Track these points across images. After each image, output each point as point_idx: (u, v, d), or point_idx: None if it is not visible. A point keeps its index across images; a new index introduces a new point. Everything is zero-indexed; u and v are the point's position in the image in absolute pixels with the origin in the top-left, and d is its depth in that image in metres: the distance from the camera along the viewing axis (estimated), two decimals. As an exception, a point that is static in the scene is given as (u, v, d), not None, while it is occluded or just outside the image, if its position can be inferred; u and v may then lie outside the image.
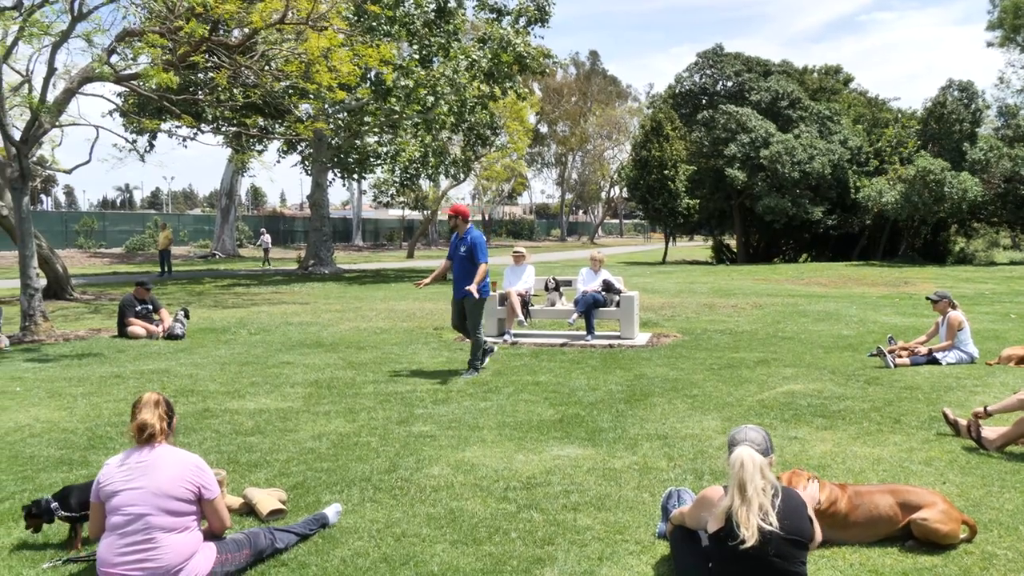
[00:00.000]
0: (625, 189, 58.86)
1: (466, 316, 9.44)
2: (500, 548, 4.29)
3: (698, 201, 41.17)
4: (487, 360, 9.60)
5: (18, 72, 15.49)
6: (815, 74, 48.56)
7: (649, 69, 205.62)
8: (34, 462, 5.90)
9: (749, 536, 3.38)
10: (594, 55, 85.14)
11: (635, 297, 12.06)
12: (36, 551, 4.32)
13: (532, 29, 28.40)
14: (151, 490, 3.79)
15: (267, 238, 39.11)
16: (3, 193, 17.08)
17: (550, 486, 5.26)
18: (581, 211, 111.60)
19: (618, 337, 11.78)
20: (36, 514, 4.40)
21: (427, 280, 10.00)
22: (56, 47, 13.04)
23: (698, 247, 58.02)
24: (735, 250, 45.51)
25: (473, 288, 9.17)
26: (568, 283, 12.75)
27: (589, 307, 11.68)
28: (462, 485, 5.30)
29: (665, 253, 44.64)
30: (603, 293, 11.87)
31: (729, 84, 45.44)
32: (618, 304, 11.90)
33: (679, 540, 3.95)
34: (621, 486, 5.25)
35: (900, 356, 9.55)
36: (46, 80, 13.21)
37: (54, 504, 4.40)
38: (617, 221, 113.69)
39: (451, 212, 9.59)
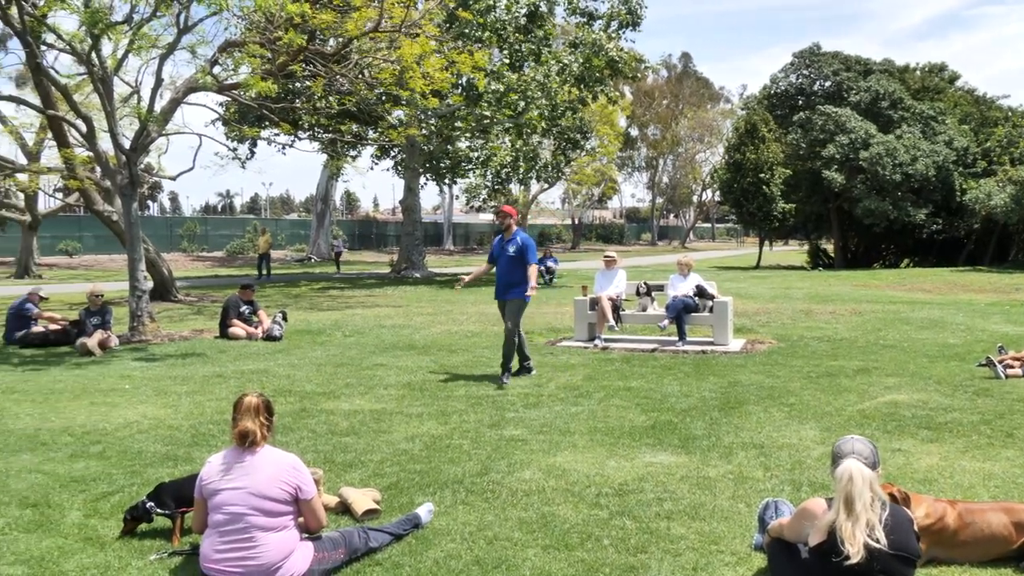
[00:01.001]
0: (718, 192, 57.91)
1: (505, 316, 9.52)
2: (592, 555, 4.26)
3: (794, 205, 40.18)
4: (532, 374, 9.58)
5: (127, 83, 16.21)
6: (918, 72, 46.77)
7: (742, 70, 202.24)
8: (142, 457, 6.15)
9: (855, 552, 3.27)
10: (686, 57, 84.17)
11: (729, 302, 11.85)
12: (145, 542, 4.50)
13: (623, 33, 28.23)
14: (250, 490, 3.91)
15: (338, 242, 39.56)
16: (114, 199, 17.90)
17: (643, 493, 5.21)
18: (672, 215, 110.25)
19: (711, 343, 11.59)
20: (135, 518, 4.60)
21: (467, 278, 10.07)
22: (163, 59, 13.59)
23: (793, 252, 56.68)
24: (832, 255, 44.22)
25: (532, 288, 9.30)
26: (659, 288, 12.61)
27: (680, 312, 11.52)
28: (554, 490, 5.29)
29: (759, 257, 43.70)
30: (695, 298, 11.69)
31: (827, 84, 44.20)
32: (711, 309, 11.70)
33: (777, 553, 3.85)
34: (716, 495, 5.16)
35: (1012, 366, 9.06)
36: (154, 91, 13.79)
37: (149, 504, 4.60)
38: (709, 225, 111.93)
39: (504, 211, 9.68)
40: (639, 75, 30.81)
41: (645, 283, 12.65)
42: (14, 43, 31.31)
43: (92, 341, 11.67)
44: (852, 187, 37.99)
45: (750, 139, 40.05)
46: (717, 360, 10.43)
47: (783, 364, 10.03)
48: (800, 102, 44.57)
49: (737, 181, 40.23)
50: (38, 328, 12.89)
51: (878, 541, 3.30)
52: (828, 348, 11.32)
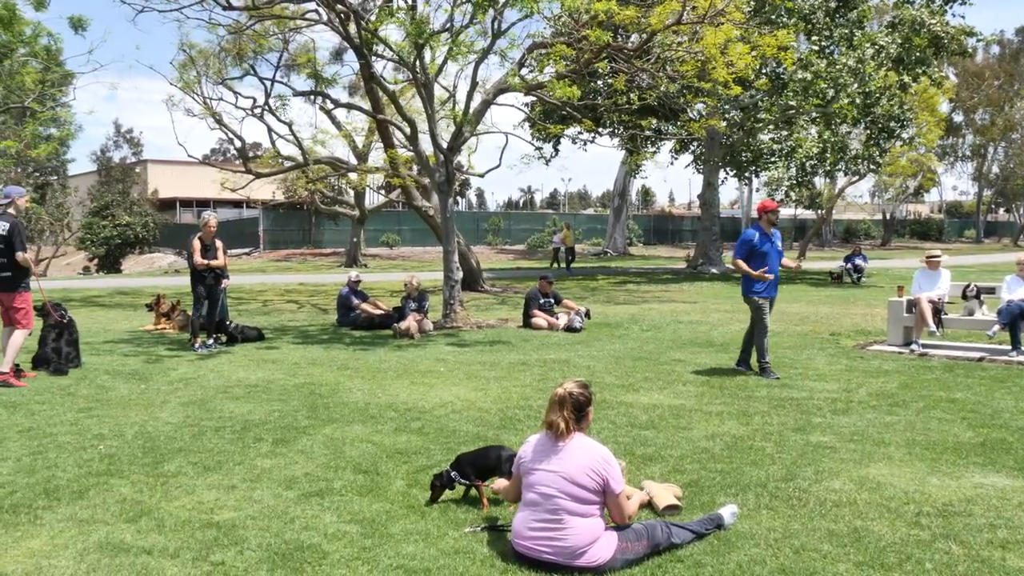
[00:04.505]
0: (1061, 183, 50.99)
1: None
2: (913, 577, 3.94)
3: None
4: (771, 378, 9.04)
5: (445, 88, 17.46)
6: None
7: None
8: (456, 436, 6.61)
9: None
10: (1023, 31, 74.91)
11: (1077, 309, 10.39)
12: (460, 514, 4.82)
13: (950, 7, 25.74)
14: (562, 474, 4.07)
15: (557, 237, 38.22)
16: (431, 195, 19.37)
17: (971, 517, 4.73)
18: (1002, 209, 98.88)
19: (1053, 354, 10.26)
20: (440, 485, 4.99)
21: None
22: (478, 63, 14.46)
23: None
24: None
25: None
26: (991, 291, 11.35)
27: (1015, 319, 10.30)
28: (866, 503, 4.96)
29: (1113, 258, 38.03)
30: (1034, 303, 10.39)
31: None
32: (1054, 316, 10.35)
33: None
34: (1062, 527, 4.56)
35: None
36: (469, 94, 14.72)
37: (453, 473, 4.99)
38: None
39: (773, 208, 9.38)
40: (968, 50, 27.89)
41: (975, 285, 11.44)
42: (348, 56, 34.86)
43: (411, 325, 12.74)
44: None
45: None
46: (1061, 374, 9.21)
47: None
48: None
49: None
50: (365, 307, 14.32)
51: None
52: None
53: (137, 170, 58.94)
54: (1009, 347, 10.37)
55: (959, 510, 4.84)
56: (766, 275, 9.07)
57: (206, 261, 11.36)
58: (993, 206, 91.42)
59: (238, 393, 8.37)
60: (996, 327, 10.44)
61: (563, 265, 32.59)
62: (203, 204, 51.22)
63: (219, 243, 11.56)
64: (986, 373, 9.31)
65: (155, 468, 5.74)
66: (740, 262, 9.24)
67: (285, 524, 4.67)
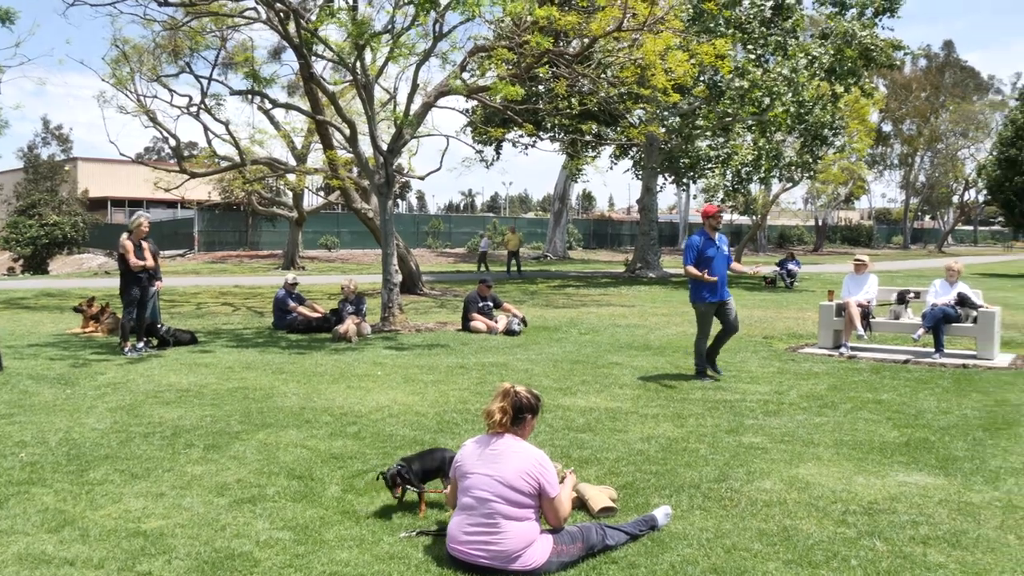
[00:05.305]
0: (983, 192, 52.85)
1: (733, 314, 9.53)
2: (838, 575, 4.03)
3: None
4: (705, 381, 9.23)
5: (385, 89, 17.36)
6: None
7: (1018, 58, 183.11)
8: (392, 440, 6.56)
9: None
10: (948, 45, 77.56)
11: (996, 313, 10.79)
12: (395, 520, 4.79)
13: (880, 20, 26.50)
14: (497, 478, 4.07)
15: (484, 241, 38.72)
16: (370, 198, 19.23)
17: (895, 514, 4.86)
18: (928, 216, 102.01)
19: (973, 357, 10.62)
20: (402, 481, 4.87)
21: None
22: (419, 66, 14.42)
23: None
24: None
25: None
26: (916, 295, 11.71)
27: (939, 322, 10.64)
28: (796, 503, 5.06)
29: (1032, 264, 39.53)
30: (957, 307, 10.75)
31: (1122, 70, 39.05)
32: (975, 320, 10.72)
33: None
34: (980, 523, 4.72)
35: None
36: (410, 96, 14.66)
37: (400, 466, 4.90)
38: (970, 228, 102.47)
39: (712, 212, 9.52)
40: (897, 63, 28.74)
41: (912, 290, 11.78)
42: (287, 55, 34.43)
43: (349, 328, 12.62)
44: None
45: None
46: (981, 375, 9.54)
47: (1062, 384, 9.00)
48: (1089, 90, 39.75)
49: (1009, 179, 36.48)
50: (302, 310, 14.14)
51: None
52: (1119, 368, 10.02)
53: (66, 168, 57.31)
54: (933, 350, 10.71)
55: (883, 508, 4.97)
56: (708, 277, 9.17)
57: (142, 262, 11.09)
58: (920, 213, 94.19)
59: (169, 398, 8.19)
60: (921, 330, 10.77)
61: (515, 269, 32.56)
62: (136, 204, 50.09)
63: (146, 244, 11.27)
64: (911, 375, 9.59)
65: (80, 476, 5.58)
66: (691, 268, 9.34)
67: (215, 532, 4.58)
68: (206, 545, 4.38)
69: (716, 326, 9.56)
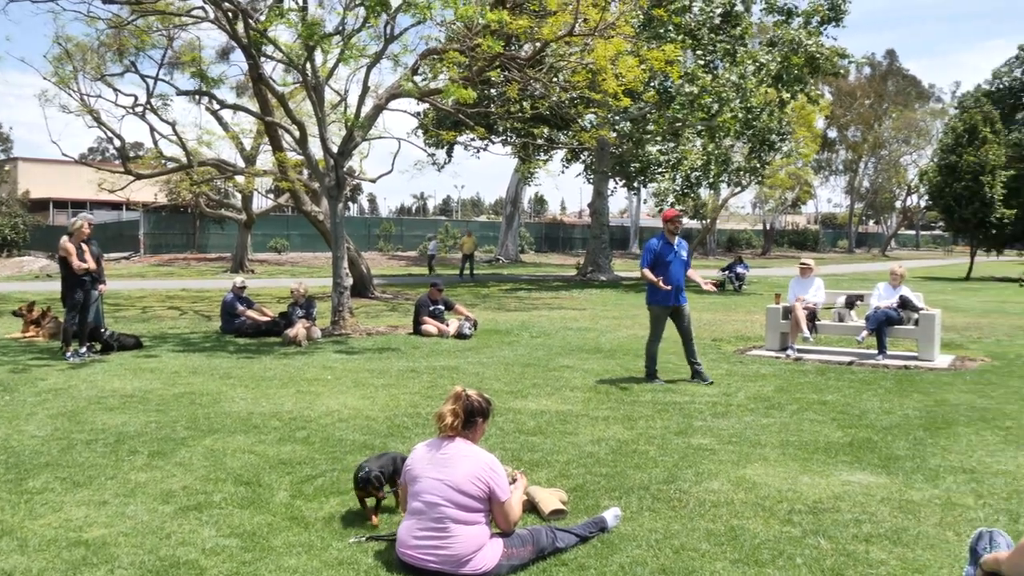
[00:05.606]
0: (925, 197, 54.14)
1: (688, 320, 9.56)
2: (784, 573, 4.10)
3: (1014, 211, 36.84)
4: (655, 383, 9.30)
5: (336, 91, 17.25)
6: None
7: (957, 66, 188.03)
8: (342, 445, 6.50)
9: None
10: (891, 54, 79.57)
11: (936, 315, 11.06)
12: (344, 525, 4.74)
13: (825, 29, 27.04)
14: (447, 483, 4.05)
15: (433, 244, 38.75)
16: (320, 200, 19.05)
17: (839, 513, 4.96)
18: (872, 221, 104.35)
19: (915, 358, 10.87)
20: (380, 485, 4.78)
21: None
22: (370, 68, 14.34)
23: (1009, 262, 51.99)
24: (1057, 267, 40.31)
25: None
26: (860, 298, 11.96)
27: (881, 324, 10.89)
28: (743, 503, 5.13)
29: (970, 268, 40.50)
30: (899, 310, 11.00)
31: (1060, 79, 40.40)
32: (916, 323, 10.98)
33: (992, 588, 3.55)
34: (920, 521, 4.83)
35: None
36: (360, 98, 14.56)
37: (368, 470, 4.79)
38: (912, 232, 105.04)
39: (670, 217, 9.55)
40: (842, 71, 29.34)
41: (860, 295, 12.02)
42: (236, 56, 34.00)
43: (299, 331, 12.49)
44: (1083, 192, 34.54)
45: (970, 139, 37.01)
46: (922, 376, 9.78)
47: (998, 384, 9.26)
48: (1025, 99, 41.00)
49: (950, 185, 37.39)
50: (251, 314, 13.95)
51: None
52: (1052, 369, 10.34)
53: (6, 168, 55.80)
54: (876, 351, 10.94)
55: (828, 507, 5.07)
56: (662, 284, 9.22)
57: (85, 264, 10.85)
58: (864, 218, 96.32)
59: (112, 404, 8.02)
60: (864, 332, 11.01)
61: (467, 272, 32.57)
62: (79, 205, 49.00)
63: (87, 247, 11.02)
64: (855, 376, 9.79)
65: (19, 484, 5.44)
66: (646, 271, 9.40)
67: (160, 540, 4.49)
68: (150, 554, 4.29)
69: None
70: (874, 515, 4.92)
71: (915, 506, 5.09)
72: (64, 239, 10.94)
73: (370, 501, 4.87)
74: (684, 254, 9.50)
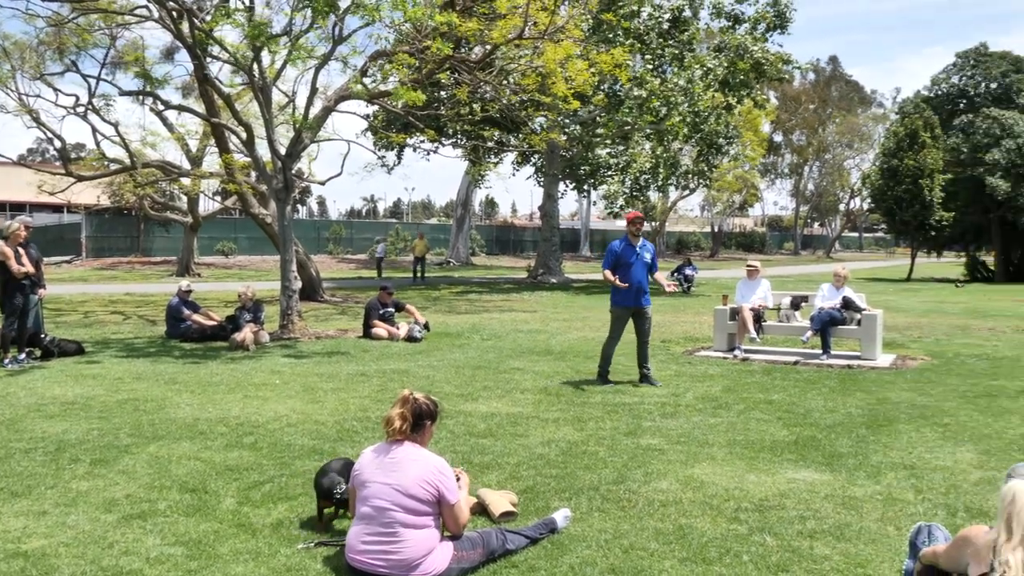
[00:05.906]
0: (867, 200, 55.37)
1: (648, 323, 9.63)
2: (731, 570, 4.15)
3: (952, 214, 37.91)
4: (606, 385, 9.40)
5: (284, 93, 17.06)
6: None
7: (898, 72, 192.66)
8: (291, 450, 6.43)
9: (1010, 577, 3.05)
10: (834, 60, 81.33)
11: (878, 316, 11.32)
12: (293, 531, 4.69)
13: (771, 36, 27.50)
14: (395, 487, 4.03)
15: (381, 247, 38.74)
16: (268, 203, 18.83)
17: (784, 510, 5.04)
18: (817, 224, 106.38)
19: (858, 358, 11.11)
20: (338, 501, 4.69)
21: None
22: (319, 69, 14.21)
23: (948, 264, 53.49)
24: (992, 268, 41.53)
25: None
26: (805, 299, 12.19)
27: (825, 325, 11.10)
28: (691, 502, 5.19)
29: (911, 270, 41.55)
30: (842, 311, 11.23)
31: (993, 86, 41.59)
32: (859, 323, 11.22)
33: (930, 581, 3.64)
34: (862, 516, 4.94)
35: None
36: (308, 99, 14.43)
37: (338, 485, 4.68)
38: (856, 235, 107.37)
39: (631, 219, 9.65)
40: (786, 76, 29.87)
41: (805, 297, 12.23)
42: (181, 56, 33.46)
43: (246, 336, 12.33)
44: (1018, 196, 35.61)
45: (910, 143, 37.96)
46: (864, 375, 9.99)
47: (937, 382, 9.50)
48: (962, 105, 42.14)
49: (891, 188, 38.30)
50: (197, 318, 13.72)
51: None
52: (987, 366, 10.65)
53: (-59, 170, 54.17)
54: (820, 351, 11.15)
55: (773, 504, 5.15)
56: (620, 284, 9.29)
57: (25, 268, 10.57)
58: (809, 220, 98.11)
59: (53, 411, 7.83)
60: (809, 333, 11.22)
61: (420, 276, 32.45)
62: (18, 208, 47.67)
63: (24, 251, 10.73)
64: (800, 376, 9.97)
65: (-46, 494, 5.28)
66: (606, 272, 9.45)
67: (103, 550, 4.40)
68: (92, 564, 4.20)
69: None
70: (818, 512, 5.01)
71: (857, 502, 5.19)
72: (0, 243, 10.64)
73: (328, 511, 4.82)
74: (648, 256, 9.50)
